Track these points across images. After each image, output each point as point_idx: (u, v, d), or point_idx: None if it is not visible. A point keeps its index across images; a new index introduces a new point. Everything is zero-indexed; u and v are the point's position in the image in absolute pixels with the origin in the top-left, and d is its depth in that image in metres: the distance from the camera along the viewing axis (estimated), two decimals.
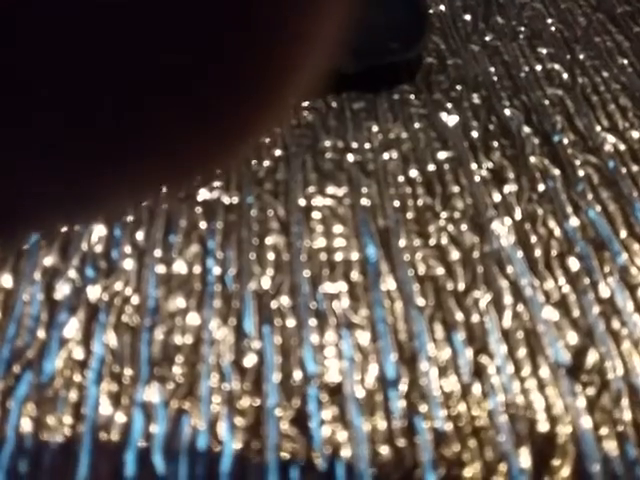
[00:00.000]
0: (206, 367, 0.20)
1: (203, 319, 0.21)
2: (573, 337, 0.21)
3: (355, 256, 0.23)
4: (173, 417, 0.19)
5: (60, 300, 0.21)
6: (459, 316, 0.22)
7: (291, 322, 0.21)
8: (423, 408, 0.19)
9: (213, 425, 0.19)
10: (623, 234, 0.25)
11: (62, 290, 0.21)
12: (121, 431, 0.18)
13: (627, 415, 0.20)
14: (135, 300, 0.21)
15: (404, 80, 0.30)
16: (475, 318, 0.22)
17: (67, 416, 0.18)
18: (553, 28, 0.34)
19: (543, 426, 0.19)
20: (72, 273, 0.22)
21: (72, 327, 0.20)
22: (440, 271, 0.23)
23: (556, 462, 0.19)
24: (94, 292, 0.21)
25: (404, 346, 0.21)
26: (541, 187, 0.26)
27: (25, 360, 0.20)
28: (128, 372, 0.19)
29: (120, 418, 0.19)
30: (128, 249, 0.23)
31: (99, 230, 0.23)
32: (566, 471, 0.18)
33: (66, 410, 0.19)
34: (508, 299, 0.22)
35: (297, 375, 0.20)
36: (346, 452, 0.18)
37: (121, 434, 0.18)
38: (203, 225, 0.24)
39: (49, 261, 0.22)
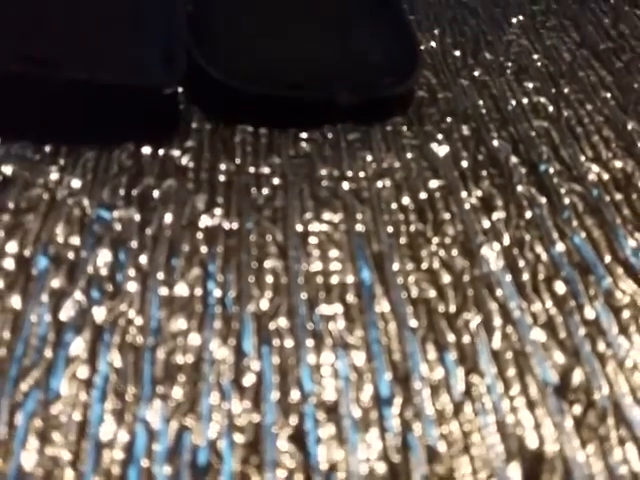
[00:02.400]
0: (207, 386, 0.21)
1: (204, 339, 0.22)
2: (560, 357, 0.22)
3: (350, 279, 0.24)
4: (175, 434, 0.19)
5: (66, 321, 0.22)
6: (450, 337, 0.23)
7: (289, 342, 0.22)
8: (417, 426, 0.20)
9: (213, 442, 0.19)
10: (607, 259, 0.26)
11: (68, 311, 0.22)
12: (124, 448, 0.19)
13: (613, 433, 0.20)
14: (139, 321, 0.22)
15: (397, 112, 0.31)
16: (466, 339, 0.23)
17: (72, 433, 0.19)
18: (539, 63, 0.35)
19: (532, 443, 0.20)
20: (78, 295, 0.23)
21: (78, 347, 0.21)
22: (432, 294, 0.24)
23: (545, 479, 0.19)
24: (99, 313, 0.22)
25: (398, 366, 0.22)
26: (528, 214, 0.27)
27: (32, 378, 0.20)
28: (131, 390, 0.20)
29: (123, 435, 0.19)
30: (132, 272, 0.24)
31: (104, 255, 0.24)
32: None
33: (71, 427, 0.19)
34: (497, 321, 0.23)
35: (295, 394, 0.21)
36: (342, 469, 0.19)
37: (124, 451, 0.19)
38: (204, 250, 0.25)
39: (56, 283, 0.23)
